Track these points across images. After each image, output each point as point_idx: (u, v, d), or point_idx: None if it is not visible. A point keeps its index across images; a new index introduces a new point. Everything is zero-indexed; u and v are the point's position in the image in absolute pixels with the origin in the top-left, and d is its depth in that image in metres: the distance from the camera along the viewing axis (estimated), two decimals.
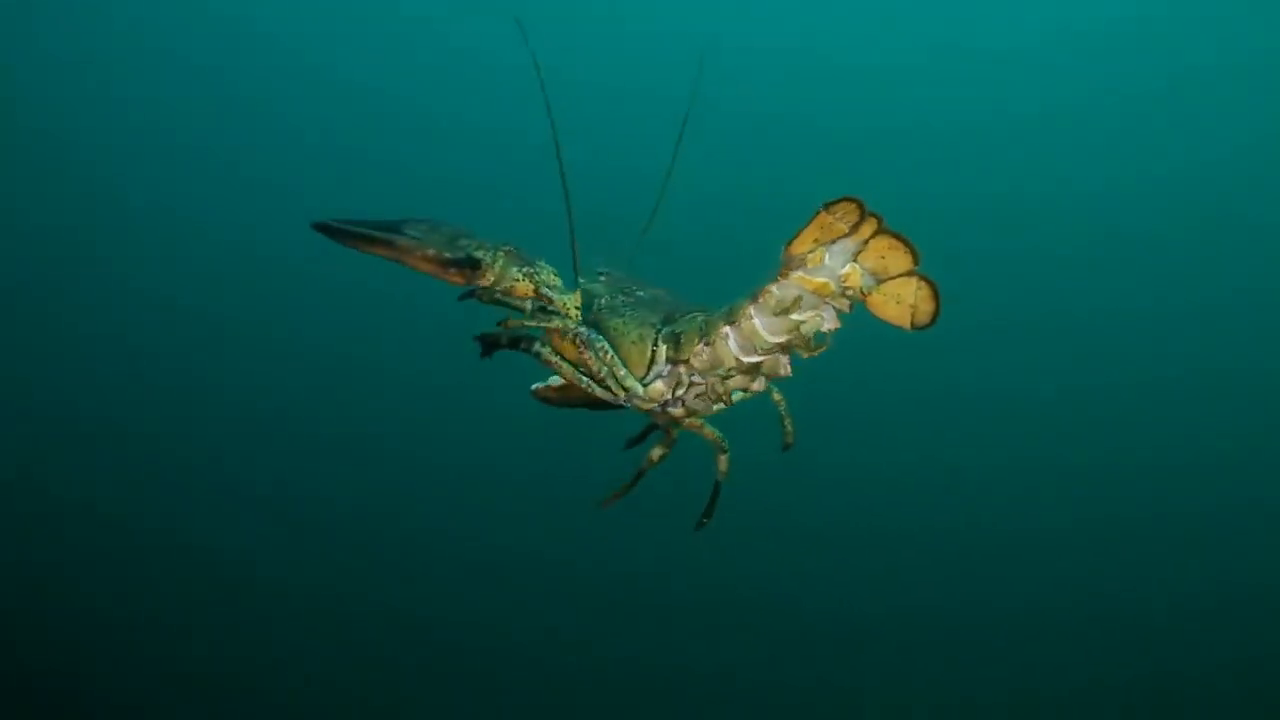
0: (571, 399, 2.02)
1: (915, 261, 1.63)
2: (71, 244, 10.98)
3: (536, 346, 1.98)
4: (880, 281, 1.65)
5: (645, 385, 1.88)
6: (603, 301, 1.96)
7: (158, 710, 7.28)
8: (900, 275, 1.63)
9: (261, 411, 9.83)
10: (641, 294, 1.97)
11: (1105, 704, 7.89)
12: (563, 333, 1.92)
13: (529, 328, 1.96)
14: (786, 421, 2.01)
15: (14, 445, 9.02)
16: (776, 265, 1.76)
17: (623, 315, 1.91)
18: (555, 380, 2.01)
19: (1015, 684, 7.94)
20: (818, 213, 1.64)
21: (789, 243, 1.69)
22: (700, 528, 2.01)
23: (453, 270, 1.90)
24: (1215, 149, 11.82)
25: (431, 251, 1.89)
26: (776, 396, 1.98)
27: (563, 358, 1.94)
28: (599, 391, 1.91)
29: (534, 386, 2.06)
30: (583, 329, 1.91)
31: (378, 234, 1.89)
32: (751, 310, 1.79)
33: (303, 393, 10.00)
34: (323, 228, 1.89)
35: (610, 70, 12.53)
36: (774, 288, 1.76)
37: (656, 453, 2.04)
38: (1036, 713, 7.81)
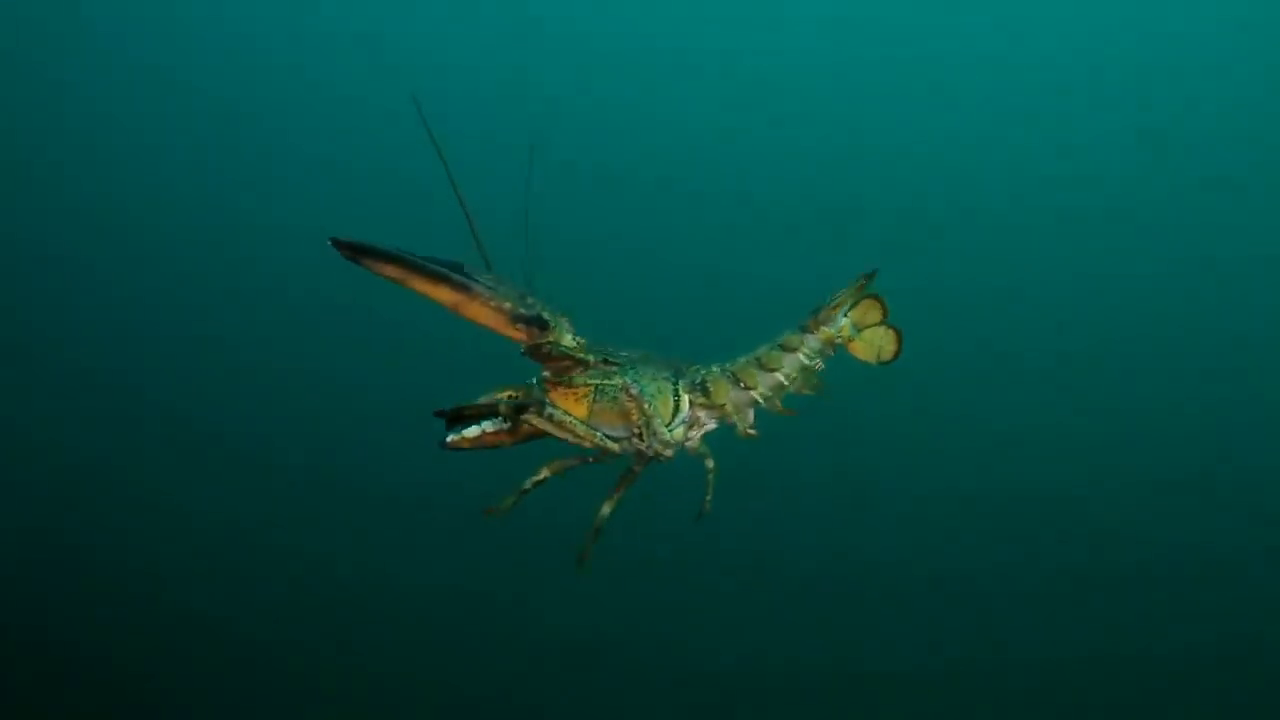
0: (484, 444, 2.08)
1: (887, 315, 2.10)
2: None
3: (548, 410, 2.02)
4: (860, 330, 2.10)
5: (671, 431, 2.07)
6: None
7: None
8: (876, 325, 2.10)
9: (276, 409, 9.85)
10: (626, 354, 2.10)
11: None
12: (604, 390, 2.02)
13: (588, 379, 2.04)
14: (710, 491, 2.16)
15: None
16: (803, 317, 2.12)
17: (626, 371, 2.06)
18: (470, 432, 2.05)
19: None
20: (859, 280, 2.10)
21: (833, 303, 2.10)
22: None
23: (520, 325, 1.93)
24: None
25: (508, 305, 1.91)
26: (710, 463, 2.15)
27: (572, 416, 2.03)
28: (610, 445, 2.04)
29: (449, 439, 2.06)
30: (634, 384, 2.03)
31: (453, 275, 1.86)
32: (785, 359, 2.10)
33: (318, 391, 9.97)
34: (355, 248, 1.81)
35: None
36: (807, 338, 2.11)
37: (613, 500, 2.13)
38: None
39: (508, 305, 1.89)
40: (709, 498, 2.13)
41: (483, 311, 1.88)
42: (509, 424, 2.03)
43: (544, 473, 2.10)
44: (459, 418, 2.03)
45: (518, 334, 1.92)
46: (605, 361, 2.03)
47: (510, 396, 2.00)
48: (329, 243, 1.77)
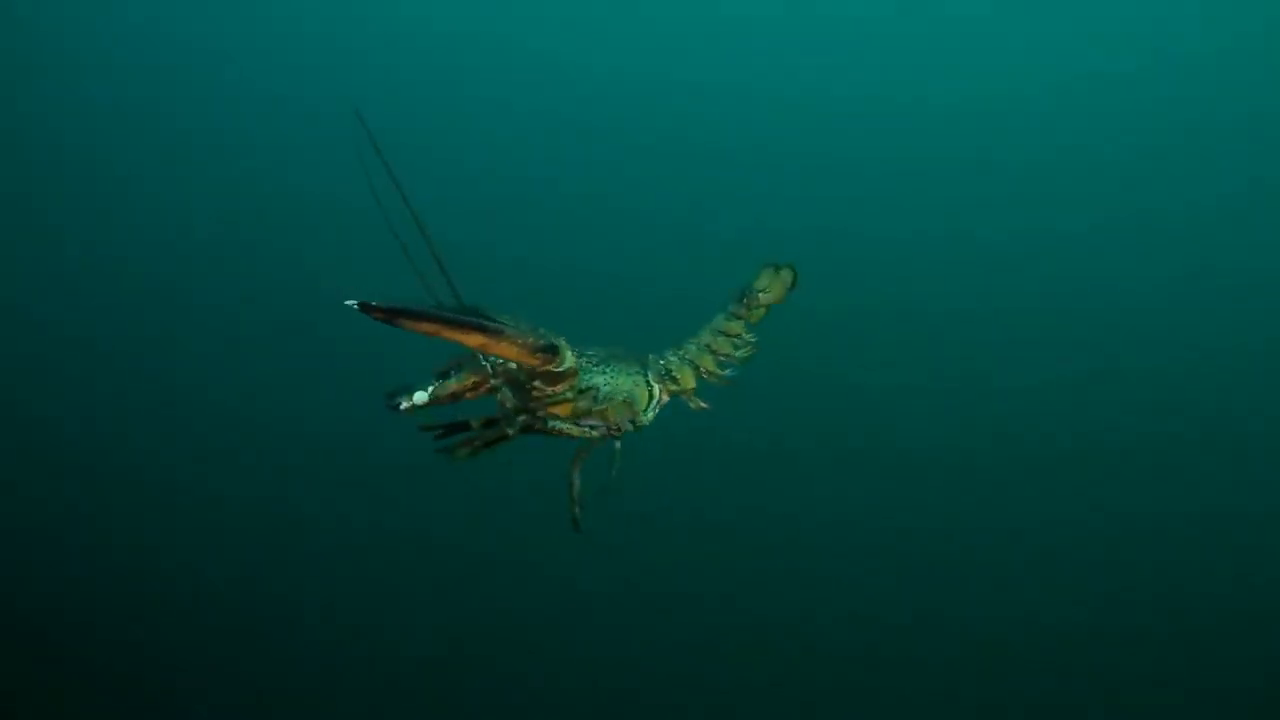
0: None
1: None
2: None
3: (550, 423, 2.30)
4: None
5: (646, 416, 2.44)
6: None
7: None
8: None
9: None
10: (594, 351, 2.40)
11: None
12: (597, 401, 2.34)
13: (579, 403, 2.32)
14: (615, 469, 2.42)
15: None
16: (734, 301, 2.56)
17: (605, 373, 2.39)
18: (419, 398, 2.16)
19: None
20: (787, 274, 2.55)
21: (760, 291, 2.55)
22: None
23: (538, 354, 2.12)
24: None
25: (531, 340, 2.09)
26: (618, 444, 2.41)
27: (567, 423, 2.36)
28: (594, 434, 2.37)
29: (402, 405, 2.16)
30: (626, 398, 2.39)
31: (485, 324, 1.98)
32: (728, 342, 2.54)
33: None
34: (390, 311, 1.80)
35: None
36: (741, 322, 2.55)
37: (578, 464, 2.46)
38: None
39: (530, 340, 2.08)
40: (615, 473, 2.40)
41: (508, 348, 2.06)
42: (510, 431, 2.28)
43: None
44: (454, 430, 2.27)
45: (533, 360, 2.14)
46: (587, 392, 2.33)
47: (475, 383, 2.20)
48: (356, 308, 1.76)
